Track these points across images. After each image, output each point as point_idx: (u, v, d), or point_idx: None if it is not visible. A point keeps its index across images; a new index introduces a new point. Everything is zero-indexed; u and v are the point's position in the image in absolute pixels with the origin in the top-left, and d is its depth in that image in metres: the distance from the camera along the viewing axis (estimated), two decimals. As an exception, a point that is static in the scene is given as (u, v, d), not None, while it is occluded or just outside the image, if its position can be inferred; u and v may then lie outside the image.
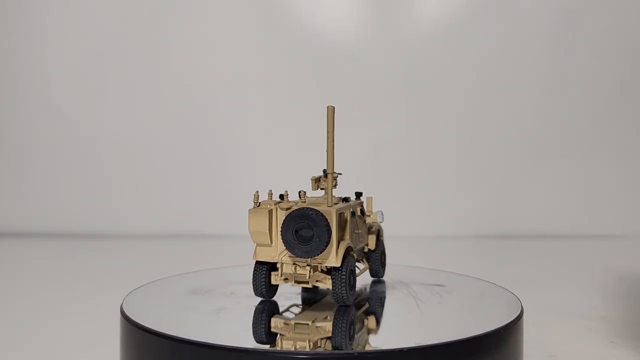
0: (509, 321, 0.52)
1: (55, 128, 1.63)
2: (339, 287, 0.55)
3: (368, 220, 0.67)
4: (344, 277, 0.55)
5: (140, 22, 1.61)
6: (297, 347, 0.48)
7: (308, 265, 0.57)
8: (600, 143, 1.61)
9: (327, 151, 0.58)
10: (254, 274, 0.59)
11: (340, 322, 0.53)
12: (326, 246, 0.55)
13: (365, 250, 0.68)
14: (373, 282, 0.70)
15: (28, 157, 1.64)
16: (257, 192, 0.60)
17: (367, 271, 0.70)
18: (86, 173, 1.62)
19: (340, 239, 0.57)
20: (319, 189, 0.64)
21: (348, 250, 0.58)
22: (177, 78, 1.62)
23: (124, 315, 0.54)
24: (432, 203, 1.58)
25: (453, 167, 1.61)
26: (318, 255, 0.55)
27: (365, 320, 0.56)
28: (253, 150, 1.59)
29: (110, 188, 1.62)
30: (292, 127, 1.57)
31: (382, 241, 0.70)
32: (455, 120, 1.61)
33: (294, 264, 0.57)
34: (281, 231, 0.56)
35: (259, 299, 0.61)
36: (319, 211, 0.55)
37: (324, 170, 0.63)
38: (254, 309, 0.58)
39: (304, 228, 0.55)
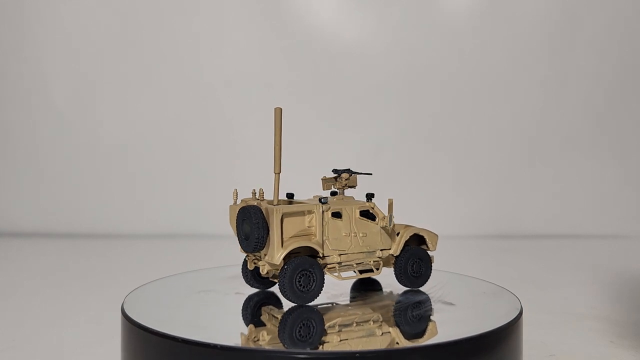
0: (509, 321, 0.52)
1: (55, 128, 1.63)
2: (280, 285, 0.57)
3: (382, 223, 0.62)
4: (285, 275, 0.56)
5: (140, 23, 1.61)
6: (255, 337, 0.50)
7: (260, 259, 0.59)
8: (600, 143, 1.61)
9: (274, 151, 0.59)
10: (242, 264, 0.63)
11: (286, 319, 0.55)
12: (258, 242, 0.56)
13: (380, 255, 0.63)
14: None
15: (28, 157, 1.64)
16: (236, 189, 0.62)
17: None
18: (86, 173, 1.62)
19: (288, 238, 0.57)
20: (333, 189, 0.64)
21: (309, 252, 0.58)
22: (178, 78, 1.62)
23: (125, 315, 0.54)
24: (432, 203, 1.58)
25: (453, 168, 1.61)
26: (254, 250, 0.57)
27: (358, 320, 0.56)
28: (254, 150, 1.59)
29: (110, 188, 1.62)
30: (293, 127, 1.57)
31: (420, 249, 0.65)
32: (455, 120, 1.61)
33: (255, 258, 0.60)
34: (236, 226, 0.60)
35: (260, 297, 0.61)
36: (259, 209, 0.57)
37: (334, 170, 0.63)
38: (253, 305, 0.59)
39: (246, 225, 0.58)
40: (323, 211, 0.59)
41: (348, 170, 0.63)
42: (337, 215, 0.60)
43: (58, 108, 1.62)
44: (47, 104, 1.62)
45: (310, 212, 0.58)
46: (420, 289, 0.65)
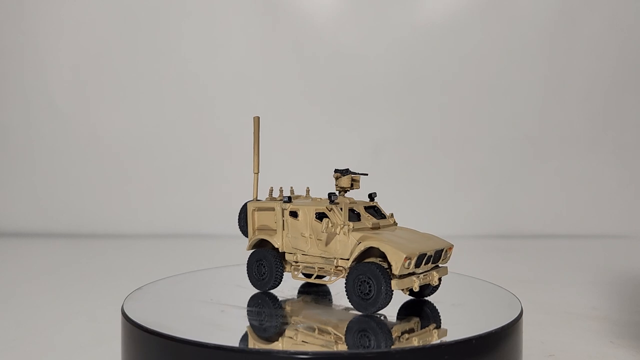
0: (509, 321, 0.52)
1: (55, 128, 1.63)
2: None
3: (322, 227, 0.57)
4: (247, 262, 0.63)
5: (141, 23, 1.61)
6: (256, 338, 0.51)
7: None
8: (600, 143, 1.61)
9: (253, 154, 0.65)
10: None
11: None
12: (241, 230, 0.65)
13: (339, 264, 0.56)
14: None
15: (28, 157, 1.64)
16: (271, 187, 0.67)
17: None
18: (86, 173, 1.63)
19: (256, 229, 0.64)
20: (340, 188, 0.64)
21: (274, 245, 0.62)
22: (178, 78, 1.62)
23: (125, 316, 0.54)
24: (432, 203, 1.58)
25: (453, 168, 1.61)
26: (245, 235, 0.65)
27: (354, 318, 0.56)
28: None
29: (111, 188, 1.62)
30: (293, 126, 1.57)
31: (374, 266, 0.53)
32: (455, 120, 1.61)
33: None
34: None
35: (261, 297, 0.61)
36: (246, 204, 0.65)
37: (336, 170, 0.63)
38: (253, 305, 0.59)
39: None
40: (282, 209, 0.61)
41: (346, 171, 0.62)
42: (294, 214, 0.61)
43: (58, 108, 1.62)
44: (47, 104, 1.62)
45: (274, 209, 0.62)
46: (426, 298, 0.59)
